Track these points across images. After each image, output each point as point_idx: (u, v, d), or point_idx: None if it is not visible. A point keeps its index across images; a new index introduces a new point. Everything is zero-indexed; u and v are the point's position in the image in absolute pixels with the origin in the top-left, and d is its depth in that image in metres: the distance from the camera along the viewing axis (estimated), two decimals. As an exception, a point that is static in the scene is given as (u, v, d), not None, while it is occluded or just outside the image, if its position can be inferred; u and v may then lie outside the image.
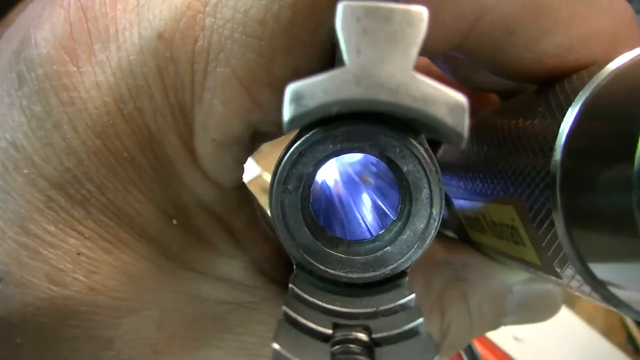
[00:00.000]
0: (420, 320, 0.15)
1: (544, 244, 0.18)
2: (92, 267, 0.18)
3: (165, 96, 0.17)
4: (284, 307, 0.15)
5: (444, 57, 0.26)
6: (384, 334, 0.15)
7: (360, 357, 0.14)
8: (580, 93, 0.16)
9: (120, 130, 0.17)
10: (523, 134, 0.19)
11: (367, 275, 0.18)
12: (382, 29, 0.12)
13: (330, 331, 0.15)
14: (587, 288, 0.16)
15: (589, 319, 0.82)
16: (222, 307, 0.21)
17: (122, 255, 0.19)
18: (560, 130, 0.17)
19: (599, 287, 0.16)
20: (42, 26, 0.17)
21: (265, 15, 0.15)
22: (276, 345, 0.13)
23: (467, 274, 0.26)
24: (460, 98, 0.12)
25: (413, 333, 0.15)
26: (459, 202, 0.26)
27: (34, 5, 0.19)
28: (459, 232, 0.28)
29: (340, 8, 0.12)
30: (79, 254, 0.18)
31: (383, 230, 0.19)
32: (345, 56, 0.12)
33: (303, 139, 0.17)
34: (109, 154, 0.17)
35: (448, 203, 0.28)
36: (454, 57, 0.22)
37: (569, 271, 0.17)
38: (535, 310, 0.27)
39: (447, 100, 0.12)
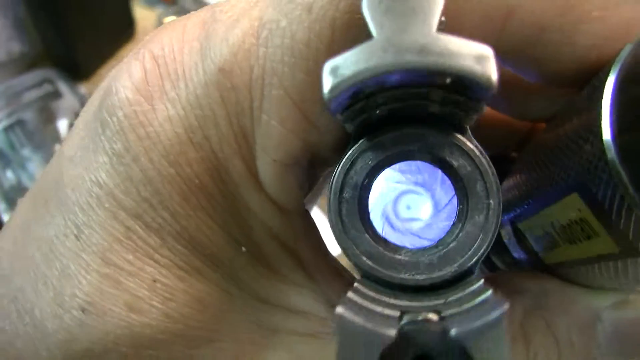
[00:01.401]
0: (489, 292, 0.15)
1: (619, 225, 0.17)
2: (167, 294, 0.19)
3: (228, 123, 0.19)
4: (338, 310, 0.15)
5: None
6: (454, 311, 0.15)
7: (431, 324, 0.14)
8: (614, 65, 0.17)
9: (190, 158, 0.19)
10: (571, 126, 0.19)
11: (434, 275, 0.18)
12: (401, 6, 0.13)
13: (398, 313, 0.15)
14: None
15: None
16: (295, 338, 0.21)
17: (196, 283, 0.20)
18: (603, 105, 0.17)
19: None
20: (121, 77, 0.20)
21: (309, 36, 0.17)
22: (340, 309, 0.13)
23: (548, 300, 0.24)
24: (484, 47, 0.13)
25: (482, 304, 0.14)
26: (526, 227, 0.25)
27: (119, 65, 0.22)
28: (534, 264, 0.27)
29: None
30: (154, 281, 0.19)
31: (445, 234, 0.19)
32: (372, 31, 0.13)
33: (354, 148, 0.18)
34: (181, 182, 0.19)
35: (518, 237, 0.27)
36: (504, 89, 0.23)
37: None
38: (632, 340, 0.25)
39: (471, 51, 0.13)
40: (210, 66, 0.19)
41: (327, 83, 0.13)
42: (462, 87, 0.14)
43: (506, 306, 0.13)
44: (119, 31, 1.04)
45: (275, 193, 0.20)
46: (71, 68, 0.97)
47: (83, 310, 0.19)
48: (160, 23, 1.05)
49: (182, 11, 1.00)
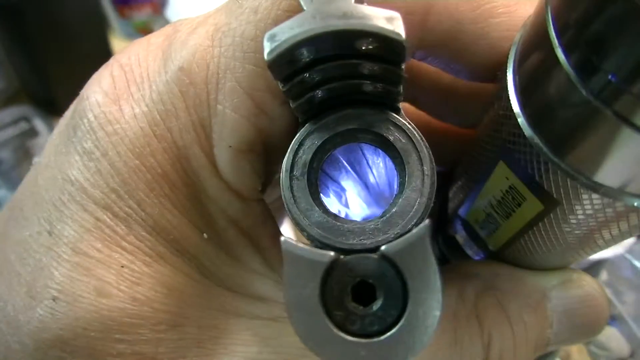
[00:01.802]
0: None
1: (540, 182, 0.19)
2: (134, 279, 0.20)
3: (188, 114, 0.21)
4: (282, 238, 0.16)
5: (424, 98, 0.29)
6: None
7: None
8: (511, 48, 0.20)
9: (153, 149, 0.21)
10: (491, 110, 0.22)
11: (379, 239, 0.19)
12: (327, -14, 0.16)
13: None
14: (597, 199, 0.18)
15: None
16: (256, 322, 0.22)
17: (161, 268, 0.21)
18: (508, 82, 0.19)
19: (604, 189, 0.17)
20: (91, 85, 0.22)
21: (255, 32, 0.20)
22: (284, 238, 0.14)
23: (498, 281, 0.26)
24: (394, 12, 0.15)
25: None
26: (472, 217, 0.27)
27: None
28: (486, 256, 0.29)
29: None
30: (122, 267, 0.20)
31: (389, 205, 0.21)
32: (303, 5, 0.16)
33: (301, 130, 0.20)
34: (146, 172, 0.21)
35: (470, 233, 0.29)
36: (432, 97, 0.26)
37: (580, 196, 0.18)
38: (581, 318, 0.26)
39: (384, 15, 0.15)
40: (171, 67, 0.21)
41: (267, 47, 0.15)
42: (381, 49, 0.16)
43: (427, 221, 0.14)
44: (97, 66, 1.03)
45: (232, 179, 0.22)
46: (48, 103, 0.97)
47: (54, 299, 0.20)
48: None
49: None
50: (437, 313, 0.14)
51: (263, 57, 0.20)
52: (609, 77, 0.14)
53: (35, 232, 0.21)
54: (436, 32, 0.21)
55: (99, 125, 0.21)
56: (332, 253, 0.14)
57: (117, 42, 1.10)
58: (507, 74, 0.19)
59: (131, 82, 0.21)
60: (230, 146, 0.21)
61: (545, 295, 0.26)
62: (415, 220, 0.19)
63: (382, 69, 0.18)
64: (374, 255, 0.15)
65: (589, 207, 0.19)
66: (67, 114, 0.23)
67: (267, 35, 0.16)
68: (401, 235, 0.19)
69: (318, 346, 0.14)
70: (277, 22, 0.20)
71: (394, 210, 0.20)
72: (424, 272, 0.14)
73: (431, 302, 0.14)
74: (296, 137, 0.20)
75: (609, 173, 0.17)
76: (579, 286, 0.26)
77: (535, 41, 0.18)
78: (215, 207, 0.22)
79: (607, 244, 0.22)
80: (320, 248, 0.20)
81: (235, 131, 0.21)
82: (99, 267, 0.20)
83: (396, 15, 0.15)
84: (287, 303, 0.14)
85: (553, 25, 0.16)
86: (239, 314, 0.22)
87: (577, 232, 0.21)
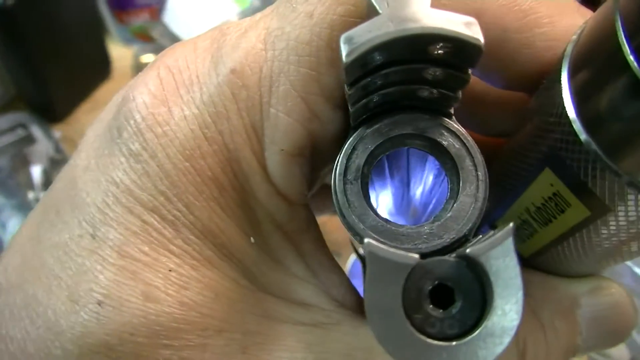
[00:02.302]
0: (492, 231, 0.17)
1: (591, 189, 0.19)
2: (182, 283, 0.20)
3: (239, 117, 0.21)
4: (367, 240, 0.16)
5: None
6: (461, 249, 0.16)
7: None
8: (564, 57, 0.20)
9: (204, 151, 0.21)
10: (537, 120, 0.22)
11: (434, 243, 0.20)
12: (401, -11, 0.16)
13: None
14: None
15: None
16: (300, 328, 0.22)
17: (208, 272, 0.21)
18: (563, 90, 0.20)
19: None
20: (137, 86, 0.22)
21: (310, 37, 0.20)
22: (367, 240, 0.14)
23: (531, 289, 0.26)
24: (471, 17, 0.15)
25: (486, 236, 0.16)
26: (504, 223, 0.28)
27: (134, 78, 0.24)
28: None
29: None
30: (170, 270, 0.20)
31: (440, 211, 0.21)
32: (378, 8, 0.16)
33: (354, 135, 0.21)
34: (195, 174, 0.20)
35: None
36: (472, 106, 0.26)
37: (627, 198, 0.19)
38: (610, 326, 0.27)
39: (461, 20, 0.15)
40: (222, 69, 0.21)
41: (345, 49, 0.15)
42: (455, 53, 0.16)
43: (512, 224, 0.15)
44: (94, 71, 1.02)
45: (281, 183, 0.22)
46: (46, 110, 0.95)
47: (99, 303, 0.20)
48: (137, 62, 1.04)
49: (159, 49, 0.99)
50: (518, 317, 0.14)
51: (317, 60, 0.20)
52: None
53: (76, 235, 0.21)
54: (486, 39, 0.22)
55: (147, 127, 0.21)
56: (416, 255, 0.14)
57: (114, 48, 1.09)
58: (562, 79, 0.20)
59: (180, 84, 0.21)
60: (282, 150, 0.21)
61: (576, 302, 0.26)
62: (470, 225, 0.20)
63: (446, 73, 0.18)
64: (452, 258, 0.15)
65: (633, 210, 0.19)
66: (107, 115, 0.23)
67: (343, 38, 0.16)
68: (457, 240, 0.20)
69: (397, 349, 0.14)
70: (332, 27, 0.20)
71: (448, 215, 0.20)
72: (507, 275, 0.14)
73: (512, 305, 0.14)
74: (349, 141, 0.20)
75: None
76: (608, 294, 0.26)
77: (598, 46, 0.18)
78: (263, 211, 0.22)
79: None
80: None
81: (288, 135, 0.21)
82: (146, 271, 0.20)
83: (473, 20, 0.15)
84: (368, 305, 0.14)
85: (623, 28, 0.16)
86: (283, 320, 0.22)
87: (614, 239, 0.21)
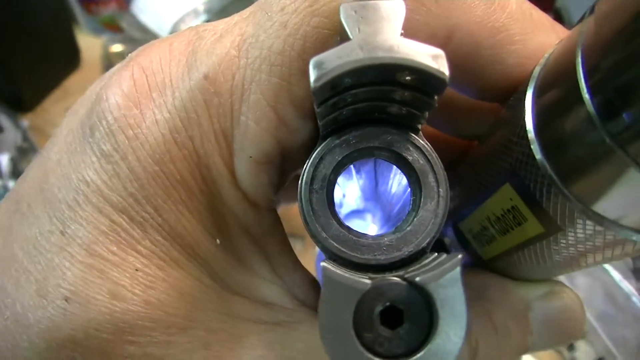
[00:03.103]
0: (444, 255, 0.17)
1: (545, 207, 0.20)
2: (148, 283, 0.21)
3: (210, 124, 0.21)
4: (322, 263, 0.17)
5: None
6: (414, 273, 0.17)
7: (395, 279, 0.16)
8: (530, 79, 0.21)
9: (174, 155, 0.21)
10: (501, 133, 0.23)
11: (393, 255, 0.20)
12: (373, 15, 0.16)
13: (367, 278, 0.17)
14: (590, 227, 0.19)
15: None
16: (262, 326, 0.23)
17: (174, 272, 0.21)
18: (525, 112, 0.20)
19: (600, 219, 0.18)
20: (111, 85, 0.22)
21: (283, 47, 0.20)
22: (324, 263, 0.15)
23: (488, 292, 0.27)
24: (439, 50, 0.16)
25: (438, 262, 0.17)
26: (466, 226, 0.29)
27: (103, 76, 0.24)
28: (475, 264, 0.30)
29: (341, 7, 0.17)
30: (137, 270, 0.21)
31: (401, 222, 0.22)
32: (349, 34, 0.16)
33: (323, 145, 0.21)
34: (165, 178, 0.21)
35: (460, 240, 0.31)
36: (446, 111, 0.26)
37: (574, 221, 0.20)
38: (559, 328, 0.28)
39: (429, 52, 0.16)
40: (195, 74, 0.21)
41: (313, 74, 0.16)
42: (421, 82, 0.17)
43: (460, 254, 0.15)
44: (63, 61, 1.02)
45: (249, 189, 0.22)
46: (14, 100, 0.95)
47: (66, 299, 0.20)
48: (106, 52, 1.05)
49: (128, 39, 1.01)
50: (460, 341, 0.15)
51: (289, 71, 0.20)
52: (628, 122, 0.15)
53: (46, 230, 0.21)
54: (456, 54, 0.22)
55: (119, 129, 0.21)
56: (368, 280, 0.15)
57: (83, 38, 1.10)
58: (526, 101, 0.20)
59: (153, 86, 0.21)
60: (250, 157, 0.21)
61: (529, 306, 0.27)
62: (428, 239, 0.20)
63: (413, 96, 0.18)
64: (404, 282, 0.16)
65: (582, 233, 0.20)
66: (80, 110, 0.23)
67: (314, 62, 0.16)
68: (415, 253, 0.20)
69: (347, 366, 0.15)
70: (305, 38, 0.20)
71: (408, 228, 0.21)
72: (453, 303, 0.15)
73: (456, 331, 0.15)
74: (317, 150, 0.21)
75: (608, 205, 0.19)
76: (559, 298, 0.28)
77: (560, 76, 0.18)
78: (230, 215, 0.22)
79: (592, 266, 0.24)
80: (334, 260, 0.21)
81: (257, 143, 0.21)
82: (113, 270, 0.20)
83: (441, 53, 0.16)
84: (321, 325, 0.15)
85: (582, 65, 0.16)
86: (246, 319, 0.23)
87: (565, 254, 0.23)
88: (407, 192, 0.23)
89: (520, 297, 0.27)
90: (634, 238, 0.19)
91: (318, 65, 0.16)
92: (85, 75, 1.06)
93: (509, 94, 0.24)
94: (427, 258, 0.19)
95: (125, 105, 0.21)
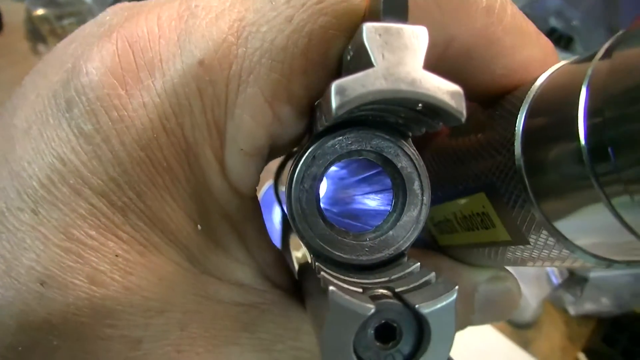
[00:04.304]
0: (432, 273, 0.19)
1: (514, 219, 0.22)
2: (128, 268, 0.20)
3: (203, 113, 0.20)
4: (322, 274, 0.18)
5: None
6: (404, 288, 0.18)
7: (391, 300, 0.17)
8: (526, 97, 0.21)
9: (162, 142, 0.20)
10: (484, 138, 0.24)
11: (374, 257, 0.21)
12: (397, 41, 0.16)
13: (361, 290, 0.18)
14: (551, 242, 0.21)
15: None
16: (237, 308, 0.23)
17: (154, 257, 0.21)
18: (517, 127, 0.21)
19: (559, 236, 0.20)
20: (92, 57, 0.20)
21: (287, 42, 0.19)
22: (332, 288, 0.16)
23: (440, 274, 0.30)
24: (458, 87, 0.16)
25: (428, 283, 0.18)
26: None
27: (74, 35, 0.22)
28: (428, 244, 0.32)
29: (364, 27, 0.16)
30: (116, 255, 0.20)
31: (381, 222, 0.22)
32: (373, 60, 0.16)
33: (316, 144, 0.21)
34: (150, 164, 0.20)
35: None
36: None
37: (538, 235, 0.21)
38: (498, 307, 0.31)
39: (449, 89, 0.16)
40: (189, 58, 0.20)
41: (336, 101, 0.15)
42: (435, 114, 0.17)
43: (457, 287, 0.17)
44: None
45: (236, 179, 0.22)
46: None
47: (42, 283, 0.19)
48: (29, 16, 0.98)
49: (52, 3, 0.93)
50: (446, 356, 0.17)
51: (290, 68, 0.20)
52: (614, 168, 0.17)
53: (14, 207, 0.20)
54: (450, 63, 0.22)
55: (102, 109, 0.19)
56: (372, 305, 0.16)
57: (4, 2, 1.05)
58: (519, 116, 0.21)
59: (140, 65, 0.20)
60: (241, 149, 0.21)
61: (475, 288, 0.30)
62: (408, 243, 0.22)
63: (419, 117, 0.18)
64: (402, 305, 0.17)
65: (541, 244, 0.22)
66: (52, 77, 0.21)
67: (336, 87, 0.16)
68: (395, 256, 0.22)
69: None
70: (311, 36, 0.19)
71: (390, 233, 0.22)
72: (445, 328, 0.16)
73: (444, 349, 0.17)
74: (310, 149, 0.21)
75: (569, 226, 0.20)
76: (502, 283, 0.31)
77: (557, 104, 0.19)
78: (214, 203, 0.22)
79: (538, 267, 0.27)
80: (317, 256, 0.22)
81: (250, 137, 0.21)
82: (92, 255, 0.20)
83: (460, 91, 0.16)
84: (323, 345, 0.16)
85: (585, 104, 0.17)
86: (222, 301, 0.23)
87: (519, 256, 0.25)
88: (381, 190, 0.24)
89: (469, 280, 0.30)
90: (583, 258, 0.21)
91: (341, 92, 0.16)
92: (6, 39, 1.04)
93: (490, 99, 0.25)
94: (409, 266, 0.21)
95: (109, 84, 0.20)
